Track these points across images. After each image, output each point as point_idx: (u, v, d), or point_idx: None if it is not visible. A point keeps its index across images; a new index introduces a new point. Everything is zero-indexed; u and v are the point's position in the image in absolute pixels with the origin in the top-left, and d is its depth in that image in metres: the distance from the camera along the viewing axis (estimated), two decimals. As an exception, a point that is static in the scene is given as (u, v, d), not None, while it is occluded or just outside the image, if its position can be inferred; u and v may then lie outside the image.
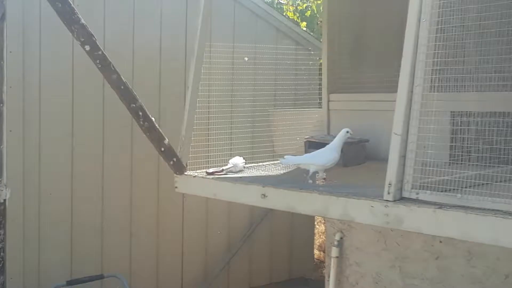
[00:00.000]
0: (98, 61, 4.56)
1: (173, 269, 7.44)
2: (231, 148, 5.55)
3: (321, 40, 6.39)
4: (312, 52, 7.84)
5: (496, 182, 3.69)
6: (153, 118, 4.85)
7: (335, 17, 6.25)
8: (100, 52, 4.56)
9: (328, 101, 6.12)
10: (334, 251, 5.89)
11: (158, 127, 4.89)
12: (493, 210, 3.24)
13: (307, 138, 5.78)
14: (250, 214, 8.00)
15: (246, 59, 5.83)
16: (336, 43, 6.22)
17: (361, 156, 5.49)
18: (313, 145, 5.74)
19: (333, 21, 6.24)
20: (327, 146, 4.64)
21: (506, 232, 3.12)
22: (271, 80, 6.47)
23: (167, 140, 4.94)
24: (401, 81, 3.68)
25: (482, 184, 3.71)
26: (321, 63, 8.74)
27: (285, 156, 4.59)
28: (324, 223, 10.16)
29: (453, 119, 4.14)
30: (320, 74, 7.26)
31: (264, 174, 5.15)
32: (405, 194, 3.63)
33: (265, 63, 6.24)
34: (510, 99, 4.25)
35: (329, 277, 6.08)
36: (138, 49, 6.94)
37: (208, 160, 5.36)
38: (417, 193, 3.58)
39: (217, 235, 7.74)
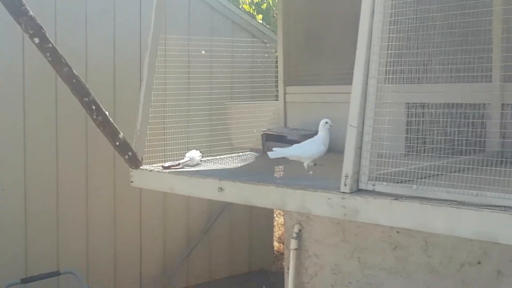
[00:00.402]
0: (48, 54, 4.45)
1: (131, 264, 7.36)
2: (187, 141, 5.48)
3: (277, 32, 6.35)
4: (268, 45, 7.81)
5: (450, 172, 3.72)
6: (106, 112, 4.76)
7: (291, 9, 6.22)
8: (50, 45, 4.45)
9: (285, 93, 6.10)
10: (293, 243, 5.89)
11: (112, 121, 4.80)
12: (447, 200, 3.26)
13: (264, 130, 5.76)
14: (209, 207, 7.96)
15: (203, 52, 5.76)
16: (292, 35, 6.19)
17: (318, 148, 5.47)
18: (270, 138, 5.73)
19: (288, 13, 6.21)
20: (314, 138, 4.58)
21: (460, 222, 3.14)
22: (228, 73, 6.41)
23: (121, 134, 4.85)
24: (356, 73, 3.68)
25: (437, 175, 3.75)
26: (277, 56, 8.76)
27: (273, 149, 4.53)
28: (283, 215, 10.18)
29: (408, 111, 4.15)
30: (277, 67, 7.26)
31: (221, 168, 5.11)
32: (362, 186, 3.63)
33: (221, 56, 6.19)
34: (463, 90, 4.29)
35: (288, 269, 6.08)
36: (91, 43, 6.81)
37: (164, 154, 5.28)
38: (374, 185, 3.58)
39: (175, 228, 7.67)
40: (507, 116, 4.48)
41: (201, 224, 7.92)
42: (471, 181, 3.33)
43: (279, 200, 4.02)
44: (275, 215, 9.83)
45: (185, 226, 7.82)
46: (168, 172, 4.83)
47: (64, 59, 4.51)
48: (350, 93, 5.69)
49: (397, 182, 3.57)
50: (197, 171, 4.84)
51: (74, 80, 4.56)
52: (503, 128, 4.45)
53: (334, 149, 5.67)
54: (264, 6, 11.77)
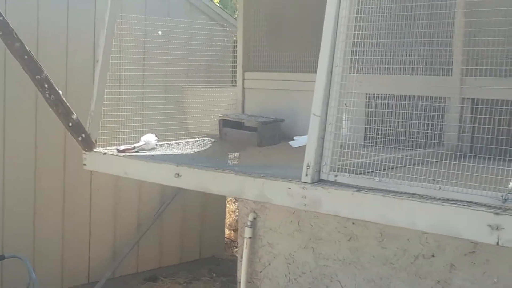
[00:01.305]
0: (-1, 28, 4.26)
1: (80, 249, 7.16)
2: (142, 125, 5.33)
3: (236, 17, 6.22)
4: (227, 29, 7.67)
5: (411, 165, 3.69)
6: (60, 91, 4.58)
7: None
8: (1, 18, 4.25)
9: (243, 79, 5.99)
10: (247, 232, 5.81)
11: (65, 100, 4.63)
12: (410, 193, 3.22)
13: (222, 116, 5.65)
14: (161, 193, 7.79)
15: (160, 33, 5.60)
16: (252, 20, 6.09)
17: (276, 135, 5.41)
18: (227, 124, 5.63)
19: (249, -1, 6.11)
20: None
21: (422, 216, 3.11)
22: (184, 56, 6.25)
23: (75, 114, 4.69)
24: (321, 61, 3.61)
25: (397, 167, 3.72)
26: (235, 41, 8.63)
27: (295, 137, 4.37)
28: (235, 202, 10.10)
29: (368, 101, 4.10)
30: (235, 52, 7.15)
31: (177, 153, 4.98)
32: (323, 176, 3.57)
33: (178, 38, 6.03)
34: (424, 83, 4.27)
35: (241, 257, 6.00)
36: (43, 17, 6.54)
37: (118, 137, 5.14)
38: (336, 176, 3.52)
39: (126, 213, 7.50)
40: (467, 110, 4.48)
41: (152, 209, 7.76)
42: (431, 175, 3.31)
43: (238, 188, 3.94)
44: (226, 202, 9.74)
45: (137, 210, 7.65)
46: (123, 155, 4.68)
47: (15, 34, 4.33)
48: (310, 81, 5.69)
49: (359, 174, 3.51)
50: (153, 155, 4.71)
51: (26, 56, 4.40)
52: (462, 122, 4.45)
53: (292, 137, 5.64)
54: (222, -10, 11.61)
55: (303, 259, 5.58)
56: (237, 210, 10.25)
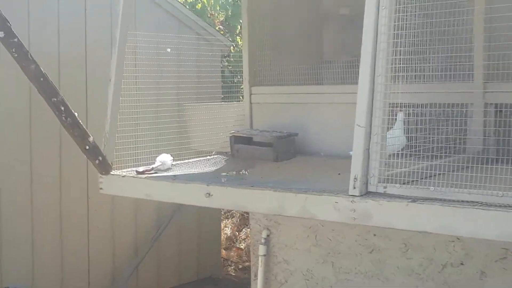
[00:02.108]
0: (13, 50, 4.08)
1: (79, 275, 6.93)
2: (154, 145, 5.16)
3: (242, 31, 6.12)
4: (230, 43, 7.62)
5: (451, 172, 3.64)
6: (76, 113, 4.41)
7: (256, 7, 6.01)
8: (16, 40, 4.07)
9: (250, 94, 5.88)
10: (261, 249, 5.69)
11: (81, 123, 4.45)
12: (469, 201, 3.16)
13: (233, 132, 5.53)
14: (157, 215, 7.63)
15: (169, 50, 5.46)
16: (257, 33, 5.99)
17: (291, 150, 5.32)
18: (239, 140, 5.52)
19: (253, 12, 6.00)
20: (392, 130, 3.88)
21: (486, 223, 3.05)
22: (192, 74, 6.13)
23: (92, 137, 4.51)
24: (362, 71, 3.53)
25: (439, 174, 3.66)
26: (223, 55, 8.55)
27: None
28: (223, 220, 9.98)
29: (407, 110, 4.03)
30: (223, 66, 7.08)
31: (197, 172, 4.83)
32: (371, 189, 3.49)
33: (187, 55, 5.91)
34: (457, 90, 4.24)
35: (255, 276, 5.87)
36: (62, 40, 6.41)
37: (131, 159, 4.96)
38: (385, 187, 3.44)
39: (124, 236, 7.31)
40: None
41: (149, 232, 7.59)
42: (477, 180, 3.26)
43: (277, 205, 3.82)
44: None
45: (134, 234, 7.48)
46: (145, 177, 4.51)
47: (31, 55, 4.14)
48: (320, 93, 5.67)
49: (409, 184, 3.44)
50: (175, 175, 4.55)
51: (41, 79, 4.21)
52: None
53: (304, 151, 5.56)
54: (199, 6, 11.48)
55: (322, 274, 5.47)
56: (225, 228, 10.13)
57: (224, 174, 4.60)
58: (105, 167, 4.63)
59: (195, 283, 8.15)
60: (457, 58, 4.15)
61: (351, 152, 3.63)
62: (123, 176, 4.59)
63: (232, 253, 9.62)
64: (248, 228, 10.39)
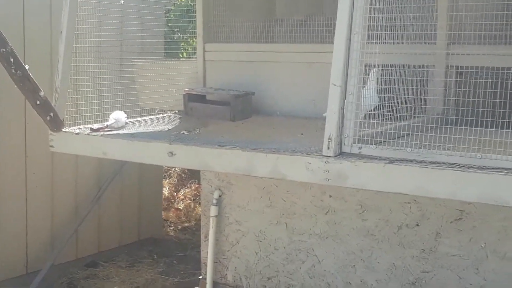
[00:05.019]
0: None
1: (16, 237, 6.62)
2: (103, 101, 4.91)
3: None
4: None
5: (419, 132, 3.62)
6: (27, 66, 4.13)
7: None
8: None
9: (204, 51, 5.69)
10: (213, 210, 5.59)
11: (32, 76, 4.19)
12: (448, 163, 3.14)
13: (187, 90, 5.35)
14: (98, 175, 7.37)
15: (122, 2, 5.18)
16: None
17: (248, 109, 5.20)
18: (193, 98, 5.35)
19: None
20: (365, 88, 3.75)
21: (466, 186, 3.04)
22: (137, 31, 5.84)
23: (43, 91, 4.25)
24: (339, 28, 3.43)
25: (408, 135, 3.63)
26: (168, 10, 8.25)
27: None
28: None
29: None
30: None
31: (153, 130, 4.65)
32: (346, 149, 3.43)
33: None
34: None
35: (205, 237, 5.78)
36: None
37: (82, 116, 4.73)
38: (360, 148, 3.38)
39: (64, 198, 7.02)
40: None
41: (90, 193, 7.32)
42: (453, 142, 3.25)
43: (246, 165, 3.71)
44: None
45: (74, 195, 7.18)
46: (101, 135, 4.30)
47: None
48: (278, 52, 5.54)
49: (382, 144, 3.40)
50: (132, 133, 4.36)
51: (-11, 28, 3.91)
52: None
53: (260, 111, 5.46)
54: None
55: (275, 235, 5.44)
56: (163, 189, 9.94)
57: (183, 132, 4.45)
58: (56, 124, 4.39)
59: (136, 243, 7.96)
60: (422, 19, 4.12)
61: (325, 114, 3.56)
62: (76, 134, 4.36)
63: (171, 214, 9.47)
64: (186, 188, 10.28)
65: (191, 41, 8.31)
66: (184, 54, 8.78)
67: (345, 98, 3.40)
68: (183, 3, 9.13)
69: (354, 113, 3.39)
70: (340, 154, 3.43)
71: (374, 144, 3.41)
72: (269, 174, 3.64)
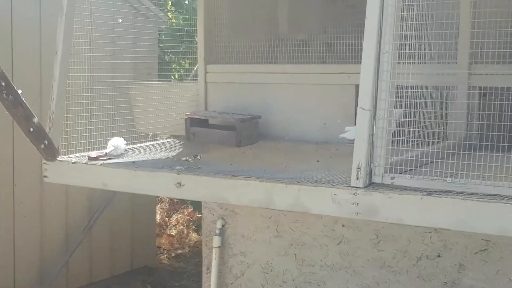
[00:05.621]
0: None
1: (3, 272, 6.24)
2: (102, 127, 4.58)
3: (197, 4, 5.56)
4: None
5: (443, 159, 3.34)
6: (19, 91, 3.79)
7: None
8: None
9: (206, 72, 5.38)
10: (216, 241, 5.25)
11: (25, 102, 3.84)
12: (493, 195, 2.85)
13: (189, 114, 5.04)
14: (90, 202, 7.02)
15: (120, 20, 4.86)
16: (214, 7, 5.49)
17: (254, 134, 4.89)
18: (195, 122, 5.04)
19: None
20: None
21: (516, 220, 2.75)
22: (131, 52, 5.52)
23: (36, 118, 3.90)
24: (367, 46, 3.14)
25: (432, 162, 3.35)
26: (160, 32, 7.98)
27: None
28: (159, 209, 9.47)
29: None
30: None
31: (155, 158, 4.31)
32: (376, 179, 3.12)
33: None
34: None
35: (207, 269, 5.43)
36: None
37: (78, 143, 4.38)
38: (392, 178, 3.08)
39: (53, 229, 6.64)
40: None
41: (81, 222, 6.96)
42: (487, 170, 2.97)
43: (263, 197, 3.39)
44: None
45: (64, 225, 6.82)
46: (101, 164, 3.96)
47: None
48: (282, 73, 5.26)
49: (419, 174, 3.10)
50: (134, 162, 4.03)
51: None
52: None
53: (267, 135, 5.15)
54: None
55: (283, 267, 5.10)
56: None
57: (186, 159, 4.14)
58: (51, 152, 4.04)
59: (129, 273, 7.61)
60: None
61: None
62: (73, 163, 4.00)
63: (163, 240, 9.12)
64: (178, 214, 9.93)
65: (183, 62, 8.03)
66: (176, 76, 8.48)
67: (375, 124, 3.10)
68: (174, 24, 8.86)
69: (385, 140, 3.08)
70: (370, 184, 3.12)
71: (404, 172, 3.10)
72: (290, 207, 3.32)
